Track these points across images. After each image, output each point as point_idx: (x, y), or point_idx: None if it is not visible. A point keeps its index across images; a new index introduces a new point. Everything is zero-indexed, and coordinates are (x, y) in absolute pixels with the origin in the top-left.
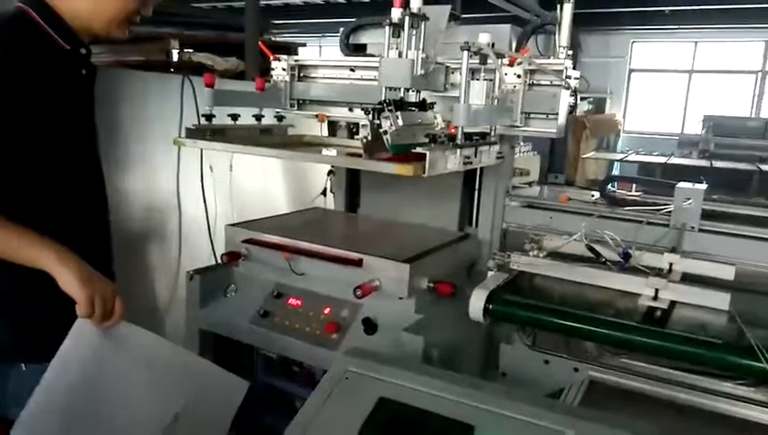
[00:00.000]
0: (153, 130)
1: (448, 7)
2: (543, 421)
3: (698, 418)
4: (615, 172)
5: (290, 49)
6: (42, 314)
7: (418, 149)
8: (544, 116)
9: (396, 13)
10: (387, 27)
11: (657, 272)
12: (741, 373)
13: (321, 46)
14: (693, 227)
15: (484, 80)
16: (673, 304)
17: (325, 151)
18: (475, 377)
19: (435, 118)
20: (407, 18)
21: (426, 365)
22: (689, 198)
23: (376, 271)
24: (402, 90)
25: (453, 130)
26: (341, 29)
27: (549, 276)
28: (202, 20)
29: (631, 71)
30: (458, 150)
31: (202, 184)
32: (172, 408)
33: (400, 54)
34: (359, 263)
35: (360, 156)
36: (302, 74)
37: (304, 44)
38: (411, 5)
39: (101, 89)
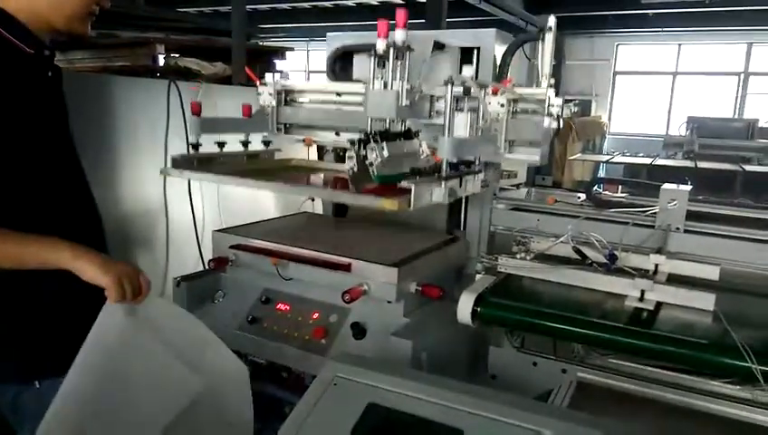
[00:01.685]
0: (139, 136)
1: (433, 36)
2: (531, 424)
3: (686, 417)
4: (601, 174)
5: (277, 53)
6: (50, 331)
7: (403, 184)
8: (528, 144)
9: (380, 44)
10: (372, 57)
11: (643, 273)
12: (726, 373)
13: (308, 50)
14: (678, 228)
15: (469, 111)
16: (659, 304)
17: (313, 177)
18: (464, 380)
19: (420, 146)
20: (391, 50)
21: (414, 370)
22: (674, 200)
23: (364, 275)
24: (387, 119)
25: (438, 159)
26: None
27: (537, 279)
28: (188, 25)
29: (616, 73)
30: (443, 183)
31: (189, 190)
32: (192, 387)
33: (385, 85)
34: (347, 267)
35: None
36: (288, 98)
37: (292, 48)
38: (396, 38)
39: (87, 94)
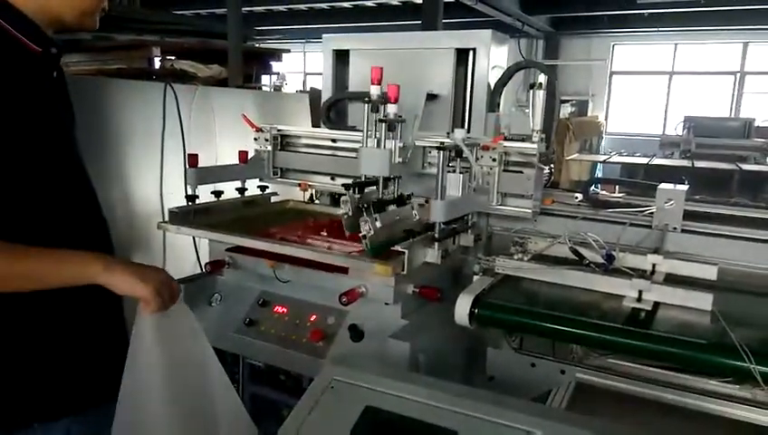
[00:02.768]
0: (136, 139)
1: (425, 94)
2: (526, 425)
3: (685, 417)
4: (599, 174)
5: (273, 55)
6: (44, 372)
7: (397, 247)
8: (521, 196)
9: (374, 90)
10: (366, 118)
11: (641, 273)
12: (724, 373)
13: (305, 52)
14: (675, 228)
15: (461, 170)
16: (657, 305)
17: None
18: (462, 382)
19: (412, 209)
20: (383, 125)
21: (411, 372)
22: (671, 199)
23: (362, 277)
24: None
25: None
26: (324, 38)
27: (535, 280)
28: (184, 27)
29: (612, 73)
30: (437, 244)
31: (185, 191)
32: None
33: (379, 143)
34: (344, 269)
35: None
36: (284, 143)
37: (288, 50)
38: (388, 111)
39: (83, 97)
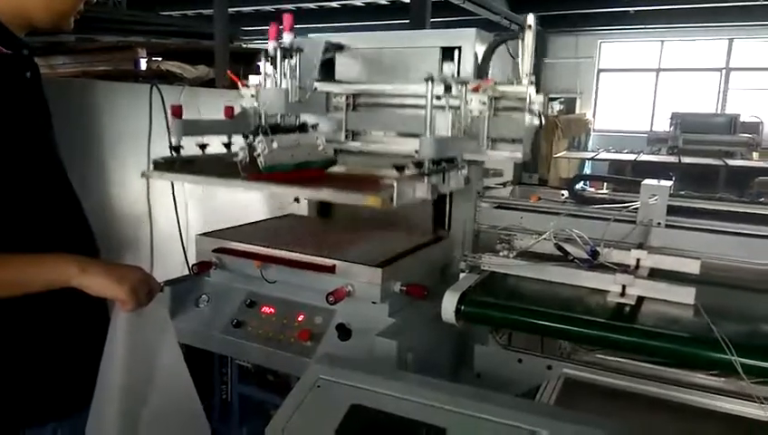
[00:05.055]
0: (122, 141)
1: (323, 41)
2: (515, 421)
3: (673, 411)
4: (587, 170)
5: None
6: (30, 377)
7: (387, 180)
8: (510, 141)
9: (270, 46)
10: (263, 59)
11: (625, 268)
12: (707, 366)
13: None
14: (659, 223)
15: (450, 108)
16: (641, 299)
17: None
18: (450, 379)
19: (317, 139)
20: (278, 51)
21: (397, 370)
22: (655, 195)
23: (349, 276)
24: (279, 115)
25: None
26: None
27: (521, 276)
28: (171, 28)
29: (600, 70)
30: (426, 179)
31: (173, 193)
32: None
33: (276, 84)
34: (331, 269)
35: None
36: None
37: None
38: (283, 40)
39: (68, 100)
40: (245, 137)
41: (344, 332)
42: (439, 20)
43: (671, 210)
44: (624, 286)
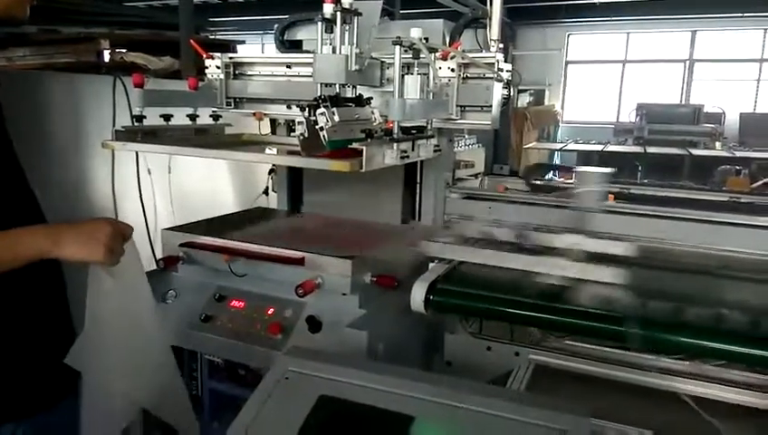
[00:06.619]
0: (86, 135)
1: (380, 2)
2: (482, 407)
3: (640, 395)
4: (556, 161)
5: (227, 47)
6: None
7: (355, 145)
8: (479, 109)
9: (328, 8)
10: (319, 23)
11: (562, 252)
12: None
13: (263, 43)
14: (595, 209)
15: (419, 74)
16: (578, 281)
17: (268, 151)
18: (421, 368)
19: (372, 113)
20: (338, 14)
21: (366, 360)
22: (588, 182)
23: (318, 268)
24: (338, 86)
25: (391, 125)
26: (276, 25)
27: (489, 265)
28: (135, 19)
29: (568, 62)
30: (395, 145)
31: (139, 187)
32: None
33: (334, 50)
34: (300, 261)
35: (299, 153)
36: (237, 72)
37: (243, 42)
38: (343, 1)
39: (29, 93)
40: (302, 109)
41: (314, 324)
42: (407, 11)
43: (632, 198)
44: (563, 269)
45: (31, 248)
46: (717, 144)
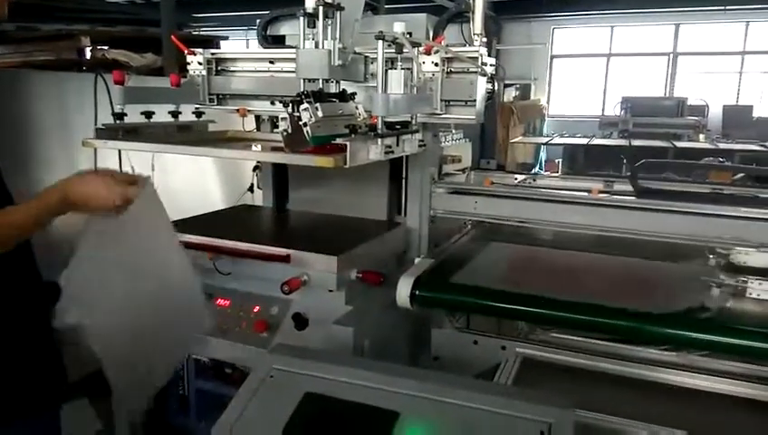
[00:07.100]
0: (67, 133)
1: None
2: (467, 401)
3: (627, 386)
4: (543, 156)
5: (211, 43)
6: None
7: (339, 141)
8: (464, 103)
9: (310, 3)
10: (301, 18)
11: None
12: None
13: (248, 39)
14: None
15: (402, 69)
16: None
17: (254, 147)
18: (408, 363)
19: (356, 109)
20: (320, 8)
21: (351, 356)
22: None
23: (304, 265)
24: (321, 81)
25: (375, 121)
26: (258, 21)
27: (474, 260)
28: (116, 15)
29: (553, 57)
30: (379, 140)
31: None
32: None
33: (317, 45)
34: (286, 258)
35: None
36: (219, 68)
37: (226, 37)
38: None
39: (8, 91)
40: (285, 105)
41: (301, 321)
42: (392, 6)
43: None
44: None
45: (52, 210)
46: (701, 136)
